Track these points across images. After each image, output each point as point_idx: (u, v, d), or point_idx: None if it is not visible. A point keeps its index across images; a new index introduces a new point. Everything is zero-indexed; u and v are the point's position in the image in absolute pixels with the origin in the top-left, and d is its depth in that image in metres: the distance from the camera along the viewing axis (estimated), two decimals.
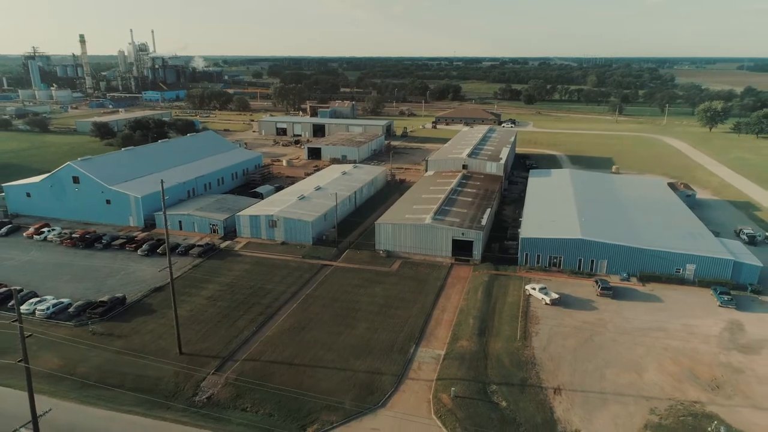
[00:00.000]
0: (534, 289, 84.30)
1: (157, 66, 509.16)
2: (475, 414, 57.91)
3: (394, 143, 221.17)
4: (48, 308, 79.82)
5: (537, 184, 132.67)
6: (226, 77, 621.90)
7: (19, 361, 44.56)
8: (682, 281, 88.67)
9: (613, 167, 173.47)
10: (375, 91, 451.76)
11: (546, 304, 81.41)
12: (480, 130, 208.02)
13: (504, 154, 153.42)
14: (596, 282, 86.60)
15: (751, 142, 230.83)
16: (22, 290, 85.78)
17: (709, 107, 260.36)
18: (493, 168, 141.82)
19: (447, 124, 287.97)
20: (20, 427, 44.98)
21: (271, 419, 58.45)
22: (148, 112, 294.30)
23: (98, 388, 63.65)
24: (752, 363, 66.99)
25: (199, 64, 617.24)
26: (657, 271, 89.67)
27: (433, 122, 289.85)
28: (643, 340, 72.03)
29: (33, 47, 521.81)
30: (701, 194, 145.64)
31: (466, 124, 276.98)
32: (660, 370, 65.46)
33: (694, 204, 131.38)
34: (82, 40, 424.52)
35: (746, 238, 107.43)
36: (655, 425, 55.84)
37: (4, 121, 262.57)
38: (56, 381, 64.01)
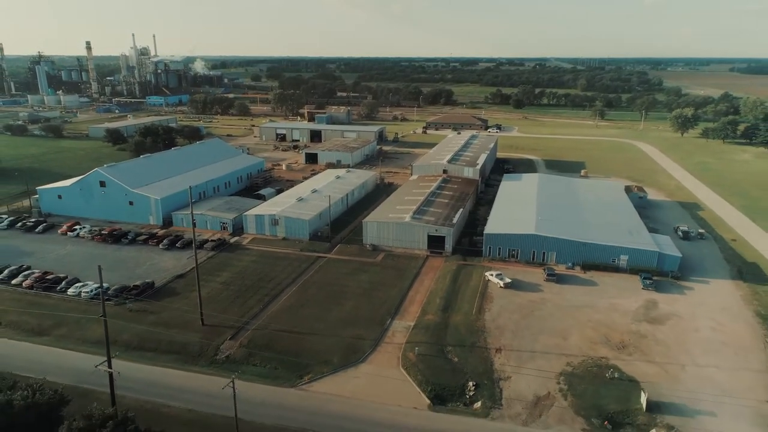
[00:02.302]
0: (492, 275, 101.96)
1: (159, 70, 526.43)
2: (432, 366, 75.50)
3: (385, 148, 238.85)
4: (91, 291, 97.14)
5: (507, 187, 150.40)
6: (225, 80, 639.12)
7: (101, 316, 61.97)
8: (617, 269, 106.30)
9: (582, 171, 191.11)
10: (370, 95, 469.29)
11: (501, 287, 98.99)
12: (463, 136, 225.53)
13: (481, 159, 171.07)
14: (544, 270, 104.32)
15: (717, 147, 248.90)
16: (66, 276, 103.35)
17: (680, 114, 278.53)
18: (470, 173, 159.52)
19: (437, 129, 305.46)
20: (98, 365, 62.29)
21: (276, 371, 75.95)
22: (154, 118, 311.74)
23: (139, 350, 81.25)
24: (656, 331, 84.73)
25: (200, 68, 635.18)
26: (597, 261, 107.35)
27: (423, 127, 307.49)
28: (574, 314, 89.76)
29: (39, 52, 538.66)
30: (657, 196, 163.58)
31: (455, 129, 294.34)
32: (581, 336, 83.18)
33: (645, 204, 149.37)
34: (89, 46, 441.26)
35: (681, 234, 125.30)
36: (568, 373, 73.54)
37: (20, 127, 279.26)
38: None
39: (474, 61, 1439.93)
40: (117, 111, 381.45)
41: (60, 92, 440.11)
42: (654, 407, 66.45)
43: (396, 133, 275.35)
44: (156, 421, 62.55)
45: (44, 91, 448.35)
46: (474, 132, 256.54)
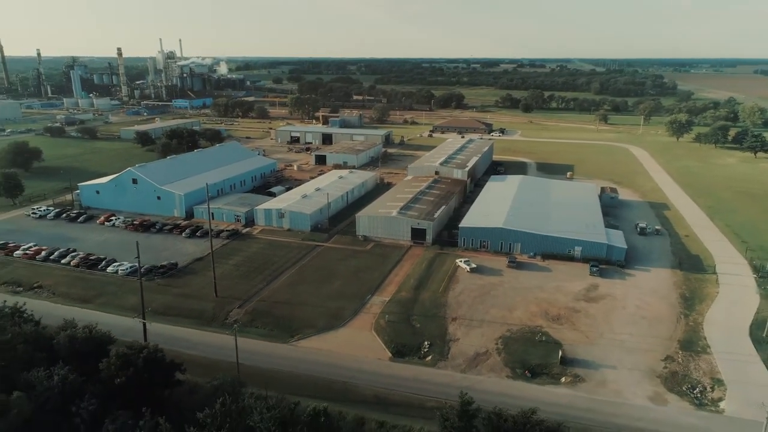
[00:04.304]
0: (461, 261, 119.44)
1: (184, 74, 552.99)
2: (398, 330, 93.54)
3: (390, 151, 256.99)
4: (126, 269, 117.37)
5: (491, 187, 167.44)
6: (248, 83, 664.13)
7: (138, 279, 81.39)
8: (571, 258, 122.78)
9: (568, 173, 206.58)
10: (385, 99, 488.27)
11: (467, 271, 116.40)
12: (461, 140, 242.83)
13: (472, 162, 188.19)
14: (507, 258, 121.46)
15: (707, 152, 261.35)
16: (106, 257, 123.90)
17: (675, 119, 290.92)
18: (459, 174, 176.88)
19: (443, 132, 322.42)
20: (136, 316, 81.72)
21: (273, 332, 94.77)
22: (180, 121, 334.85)
23: (167, 315, 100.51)
24: (589, 308, 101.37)
25: (224, 70, 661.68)
26: (555, 251, 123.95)
27: (430, 131, 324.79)
28: (524, 294, 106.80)
29: (73, 58, 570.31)
30: (631, 196, 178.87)
31: (459, 133, 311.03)
32: (525, 310, 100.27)
33: (617, 204, 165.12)
34: (120, 53, 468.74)
35: (639, 230, 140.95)
36: (506, 336, 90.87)
37: (58, 129, 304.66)
38: (139, 311, 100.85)
39: (495, 63, 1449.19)
40: (145, 114, 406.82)
41: (93, 95, 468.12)
42: (567, 362, 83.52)
43: (402, 137, 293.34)
44: (178, 361, 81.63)
45: (78, 94, 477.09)
46: (473, 136, 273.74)
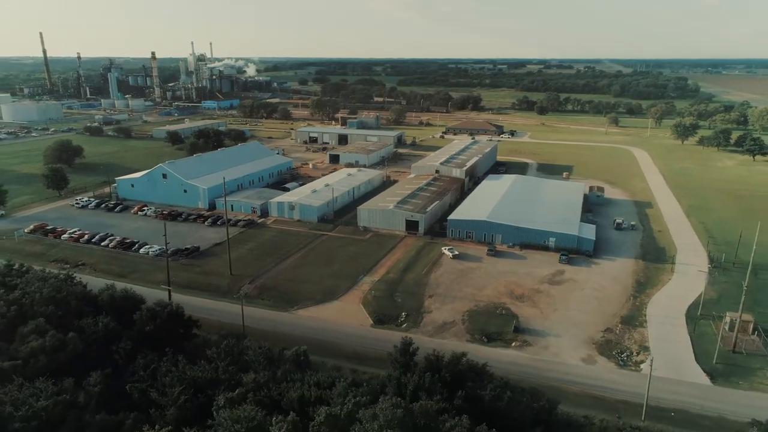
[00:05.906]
0: (446, 249, 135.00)
1: (214, 76, 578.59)
2: (382, 304, 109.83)
3: (401, 151, 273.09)
4: (155, 251, 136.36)
5: (485, 186, 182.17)
6: (274, 84, 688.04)
7: (165, 258, 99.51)
8: (546, 248, 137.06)
9: (565, 174, 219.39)
10: (404, 101, 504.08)
11: (450, 258, 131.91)
12: (465, 141, 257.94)
13: (471, 162, 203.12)
14: (488, 247, 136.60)
15: (708, 155, 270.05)
16: (138, 241, 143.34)
17: (679, 122, 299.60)
18: (457, 173, 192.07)
19: (455, 134, 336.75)
20: (162, 284, 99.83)
21: (277, 303, 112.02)
22: (207, 121, 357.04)
23: (189, 288, 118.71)
24: (551, 289, 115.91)
25: (252, 71, 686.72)
26: (532, 242, 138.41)
27: (442, 133, 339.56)
28: (497, 277, 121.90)
29: (110, 59, 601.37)
30: (620, 195, 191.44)
31: (471, 134, 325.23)
32: (494, 290, 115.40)
33: (603, 202, 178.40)
34: (153, 56, 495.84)
35: (615, 225, 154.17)
36: (472, 310, 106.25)
37: (97, 129, 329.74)
38: (166, 284, 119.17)
39: (521, 64, 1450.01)
40: (176, 114, 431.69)
41: (128, 97, 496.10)
42: (520, 330, 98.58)
43: (414, 138, 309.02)
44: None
45: (114, 95, 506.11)
46: (483, 138, 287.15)
